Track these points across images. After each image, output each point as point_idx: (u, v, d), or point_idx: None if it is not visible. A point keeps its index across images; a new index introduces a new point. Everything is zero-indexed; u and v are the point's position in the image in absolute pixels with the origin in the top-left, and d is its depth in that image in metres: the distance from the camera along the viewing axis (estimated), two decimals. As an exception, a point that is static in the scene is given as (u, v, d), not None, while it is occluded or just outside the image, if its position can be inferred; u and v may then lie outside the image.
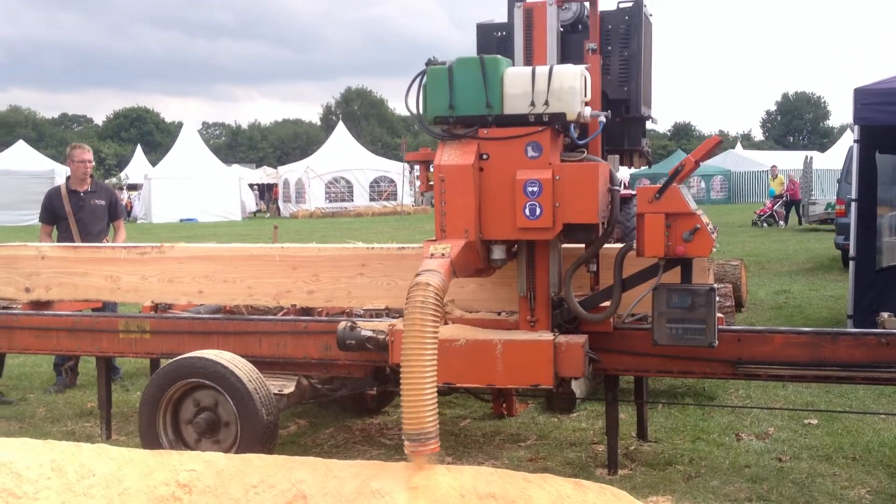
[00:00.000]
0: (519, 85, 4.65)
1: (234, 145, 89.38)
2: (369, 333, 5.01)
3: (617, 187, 4.89)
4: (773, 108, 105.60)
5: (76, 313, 6.18)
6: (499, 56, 4.77)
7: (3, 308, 7.27)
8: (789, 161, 48.84)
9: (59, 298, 6.37)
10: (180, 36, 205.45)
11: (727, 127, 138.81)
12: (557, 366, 4.73)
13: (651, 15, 5.44)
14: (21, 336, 6.02)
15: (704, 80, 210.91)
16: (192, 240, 6.89)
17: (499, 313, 5.28)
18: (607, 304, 4.93)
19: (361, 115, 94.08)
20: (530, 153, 4.65)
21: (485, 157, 4.71)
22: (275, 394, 5.15)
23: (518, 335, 4.86)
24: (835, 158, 40.49)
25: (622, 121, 5.28)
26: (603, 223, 4.76)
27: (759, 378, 5.06)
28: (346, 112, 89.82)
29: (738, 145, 61.22)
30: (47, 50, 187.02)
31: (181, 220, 39.51)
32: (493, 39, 5.40)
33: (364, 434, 6.10)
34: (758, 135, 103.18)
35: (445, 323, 5.11)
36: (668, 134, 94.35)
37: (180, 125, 53.05)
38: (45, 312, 6.17)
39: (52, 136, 79.81)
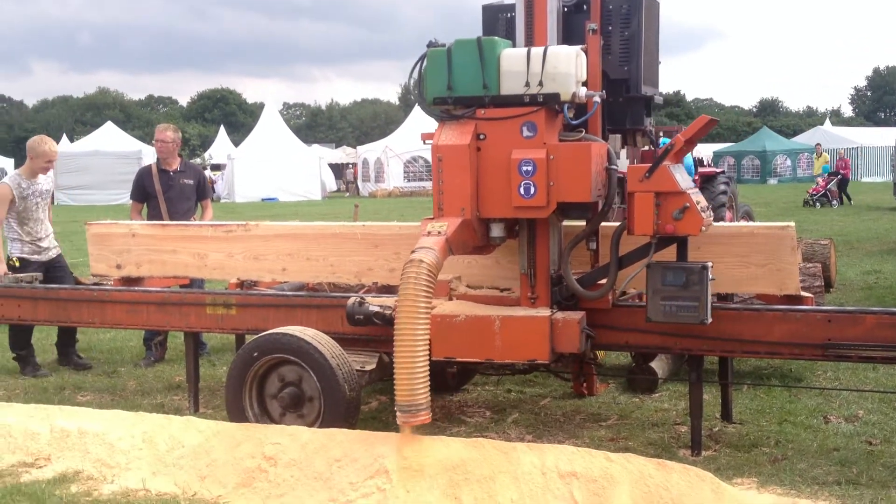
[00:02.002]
0: (515, 66, 4.74)
1: (313, 125, 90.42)
2: (377, 309, 5.12)
3: (615, 166, 4.93)
4: (863, 83, 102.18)
5: (165, 289, 6.35)
6: (496, 38, 4.87)
7: (96, 284, 7.53)
8: (882, 138, 47.21)
9: (148, 275, 6.55)
10: (259, 17, 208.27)
11: (815, 103, 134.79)
12: (554, 341, 4.84)
13: None
14: (112, 311, 6.20)
15: (792, 55, 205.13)
16: (274, 219, 7.01)
17: (502, 290, 5.36)
18: (605, 281, 4.99)
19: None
20: (525, 133, 4.75)
21: (482, 136, 4.82)
22: (357, 370, 5.21)
23: (516, 311, 4.96)
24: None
25: (624, 100, 5.29)
26: (600, 201, 4.85)
27: (849, 359, 4.95)
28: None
29: (827, 122, 59.36)
30: (132, 33, 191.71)
31: (262, 200, 40.15)
32: (499, 21, 5.43)
33: (444, 411, 6.13)
34: (847, 111, 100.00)
35: (450, 299, 5.28)
36: (754, 111, 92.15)
37: (262, 106, 53.84)
38: (136, 288, 6.36)
39: (138, 118, 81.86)
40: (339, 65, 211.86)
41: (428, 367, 4.39)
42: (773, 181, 46.27)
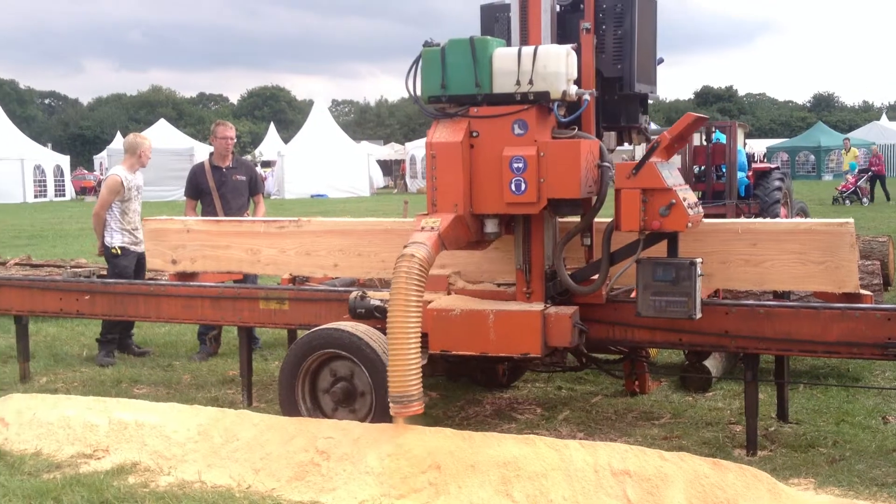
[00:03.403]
0: (506, 65, 4.85)
1: (362, 122, 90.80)
2: (377, 303, 5.19)
3: (607, 163, 4.98)
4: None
5: (220, 284, 6.43)
6: (489, 37, 4.97)
7: (152, 279, 7.67)
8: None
9: (202, 270, 6.64)
10: (307, 15, 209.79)
11: (872, 97, 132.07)
12: (547, 335, 4.93)
13: None
14: (168, 305, 6.30)
15: (848, 48, 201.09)
16: (323, 215, 7.08)
17: (499, 285, 5.43)
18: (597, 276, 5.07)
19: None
20: (517, 131, 4.84)
21: (475, 134, 4.92)
22: (408, 366, 5.22)
23: (510, 306, 5.07)
24: None
25: (619, 98, 5.32)
26: (591, 198, 4.94)
27: (910, 359, 4.84)
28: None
29: (884, 116, 58.08)
30: (182, 31, 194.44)
31: (312, 196, 40.45)
32: (497, 20, 5.48)
33: (495, 408, 6.13)
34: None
35: (448, 293, 5.38)
36: (808, 105, 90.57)
37: (311, 103, 54.14)
38: (191, 283, 6.45)
39: (190, 115, 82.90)
40: (385, 62, 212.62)
41: (419, 359, 4.55)
42: (828, 177, 45.40)
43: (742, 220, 6.40)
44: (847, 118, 74.61)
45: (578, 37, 5.16)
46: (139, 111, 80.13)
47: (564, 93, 4.81)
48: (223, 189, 8.05)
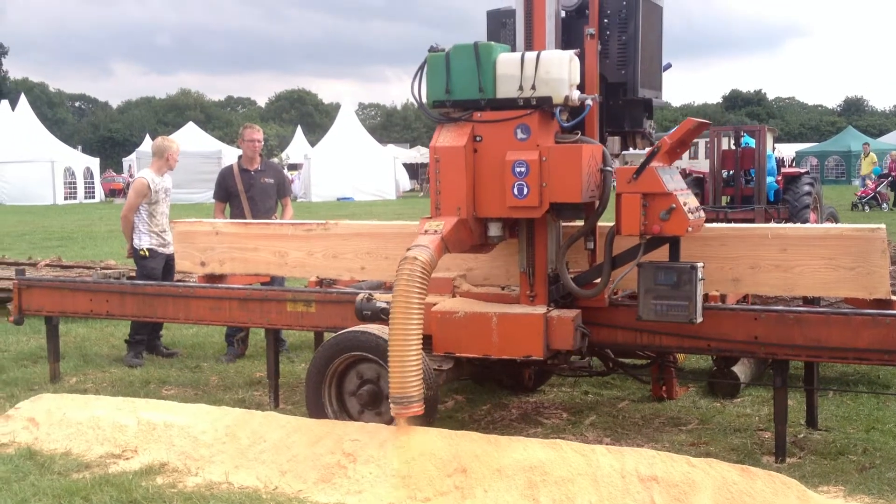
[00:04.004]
0: (509, 70, 4.90)
1: (388, 125, 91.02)
2: (384, 305, 5.19)
3: (610, 168, 5.00)
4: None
5: (248, 287, 6.46)
6: (493, 43, 5.03)
7: (180, 280, 7.73)
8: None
9: (231, 272, 6.68)
10: (333, 19, 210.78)
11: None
12: (549, 338, 4.97)
13: None
14: (196, 307, 6.34)
15: (879, 51, 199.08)
16: (350, 218, 7.09)
17: (503, 288, 5.49)
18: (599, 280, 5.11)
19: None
20: (519, 135, 4.90)
21: (478, 139, 4.99)
22: (434, 369, 5.23)
23: (513, 308, 5.11)
24: None
25: (623, 103, 5.36)
26: (594, 202, 5.00)
27: (943, 367, 4.78)
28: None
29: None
30: (210, 35, 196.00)
31: (338, 199, 40.57)
32: (503, 26, 5.50)
33: (520, 412, 6.12)
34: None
35: (454, 296, 5.42)
36: (838, 110, 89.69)
37: (337, 106, 54.44)
38: (219, 286, 6.48)
39: (218, 118, 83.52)
40: (411, 65, 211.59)
41: (420, 361, 4.62)
42: (857, 182, 44.95)
43: (772, 224, 6.36)
44: (878, 122, 73.80)
45: (583, 42, 5.20)
46: (168, 114, 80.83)
47: (567, 98, 4.86)
48: (251, 192, 8.10)
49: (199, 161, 37.42)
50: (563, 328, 4.98)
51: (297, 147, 52.82)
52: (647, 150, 4.99)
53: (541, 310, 5.04)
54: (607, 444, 5.07)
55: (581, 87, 5.05)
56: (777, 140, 42.02)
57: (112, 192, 46.01)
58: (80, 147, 52.89)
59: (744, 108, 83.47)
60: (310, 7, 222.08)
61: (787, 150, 47.45)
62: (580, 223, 5.22)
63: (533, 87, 4.85)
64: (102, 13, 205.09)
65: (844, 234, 5.03)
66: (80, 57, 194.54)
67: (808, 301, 5.72)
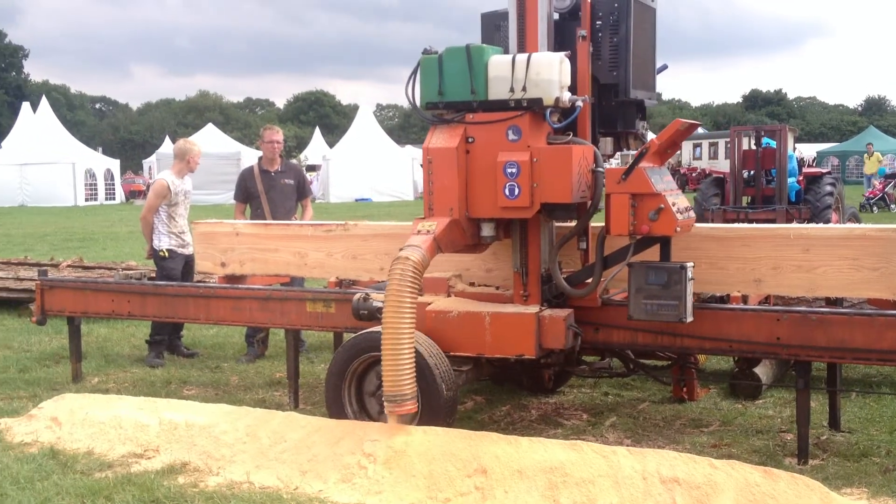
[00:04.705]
0: (501, 72, 4.97)
1: (406, 126, 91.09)
2: (380, 304, 5.19)
3: (601, 169, 5.04)
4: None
5: (268, 287, 6.48)
6: (484, 45, 5.11)
7: (200, 281, 7.76)
8: None
9: (251, 273, 6.70)
10: (351, 20, 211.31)
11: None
12: (541, 337, 5.04)
13: (654, 0, 5.57)
14: (217, 307, 6.37)
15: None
16: (368, 219, 7.09)
17: (497, 288, 5.54)
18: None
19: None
20: (511, 136, 4.97)
21: (471, 140, 5.05)
22: (454, 369, 5.23)
23: (506, 308, 5.18)
24: None
25: (616, 104, 5.39)
26: (586, 203, 5.04)
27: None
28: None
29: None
30: (228, 36, 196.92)
31: (356, 200, 40.65)
32: (497, 28, 5.54)
33: (540, 413, 6.10)
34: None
35: (449, 295, 5.47)
36: (859, 109, 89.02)
37: (356, 108, 54.52)
38: (239, 286, 6.51)
39: (237, 120, 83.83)
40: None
41: (413, 360, 4.69)
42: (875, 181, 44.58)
43: (794, 225, 6.32)
44: (899, 122, 73.16)
45: (576, 44, 5.24)
46: (187, 116, 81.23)
47: (557, 99, 4.91)
48: (271, 193, 8.13)
49: (219, 162, 37.54)
50: (555, 327, 5.04)
51: (316, 148, 52.97)
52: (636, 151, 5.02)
53: (533, 309, 5.11)
54: (628, 446, 5.04)
55: (573, 89, 5.11)
56: (798, 140, 41.74)
57: (132, 194, 46.27)
58: (100, 149, 53.22)
59: (764, 107, 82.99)
60: (327, 9, 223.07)
61: (808, 151, 47.14)
62: (573, 224, 5.27)
63: (524, 89, 4.91)
64: (121, 16, 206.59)
65: (868, 234, 4.99)
66: (100, 59, 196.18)
67: (830, 302, 5.68)
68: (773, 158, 14.42)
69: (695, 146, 45.19)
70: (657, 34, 5.67)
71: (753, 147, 14.86)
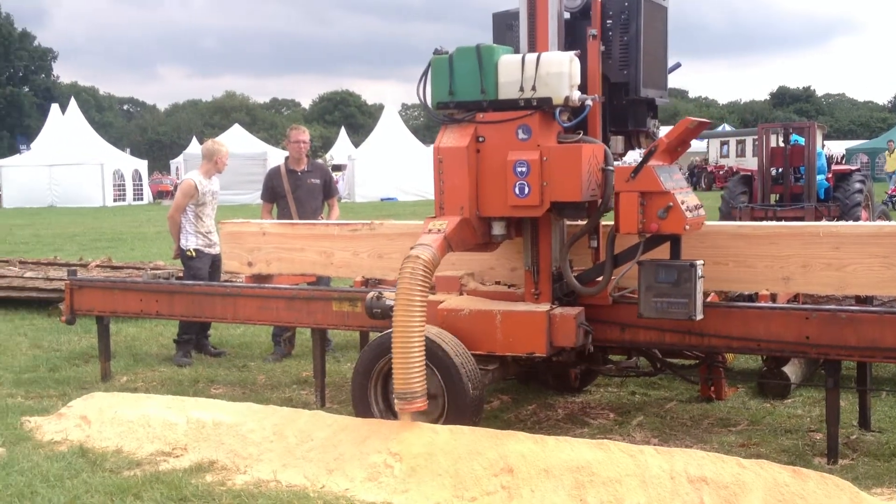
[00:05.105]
0: (511, 72, 5.00)
1: (431, 126, 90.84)
2: (392, 303, 5.18)
3: (611, 167, 5.04)
4: None
5: (294, 287, 6.51)
6: (495, 45, 5.14)
7: (227, 280, 7.81)
8: None
9: (277, 272, 6.73)
10: (375, 20, 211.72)
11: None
12: (552, 335, 5.07)
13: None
14: (244, 307, 6.40)
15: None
16: (394, 218, 7.09)
17: (509, 286, 5.58)
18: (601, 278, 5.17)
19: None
20: (521, 135, 5.00)
21: (481, 139, 5.09)
22: (480, 368, 5.22)
23: (517, 306, 5.22)
24: None
25: (627, 103, 5.40)
26: (597, 201, 5.05)
27: None
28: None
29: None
30: (253, 37, 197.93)
31: (381, 200, 40.71)
32: (509, 28, 5.55)
33: (567, 412, 6.08)
34: None
35: (461, 294, 5.52)
36: (889, 106, 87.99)
37: (381, 107, 54.56)
38: (266, 286, 6.54)
39: (263, 120, 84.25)
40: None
41: (423, 357, 4.72)
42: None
43: (824, 222, 6.26)
44: (930, 118, 72.27)
45: (586, 43, 5.24)
46: (214, 116, 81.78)
47: (567, 98, 4.93)
48: (298, 192, 8.16)
49: (245, 163, 37.74)
50: (566, 325, 5.06)
51: (341, 148, 53.11)
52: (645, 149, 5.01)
53: (544, 307, 5.14)
54: (655, 445, 5.02)
55: (583, 88, 5.12)
56: (826, 137, 41.31)
57: (160, 194, 46.63)
58: (128, 150, 53.66)
59: (792, 104, 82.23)
60: (352, 9, 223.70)
61: (837, 148, 46.65)
62: (584, 222, 5.27)
63: (533, 88, 4.93)
64: (147, 17, 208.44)
65: (899, 231, 4.93)
66: (127, 61, 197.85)
67: (860, 300, 5.62)
68: (802, 156, 14.27)
69: (722, 144, 44.88)
70: (669, 32, 5.66)
71: (782, 144, 14.72)
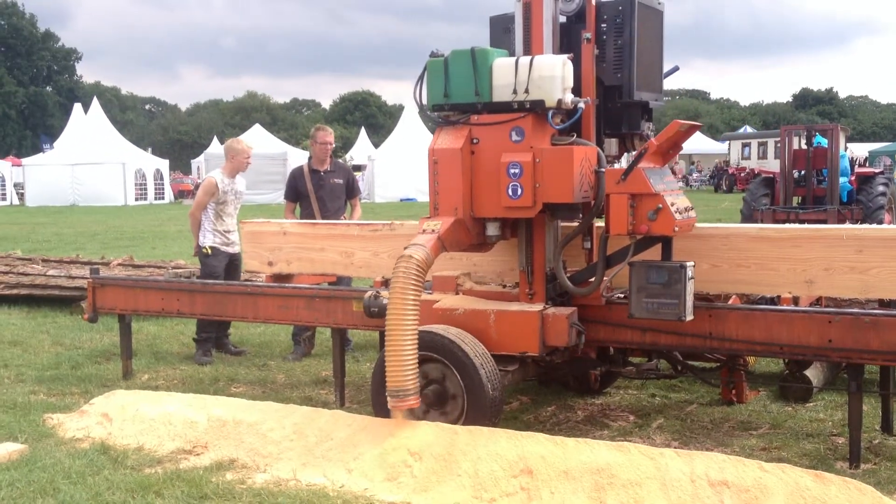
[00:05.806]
0: (504, 74, 5.06)
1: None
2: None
3: (604, 169, 5.07)
4: None
5: (315, 286, 6.52)
6: (489, 48, 5.20)
7: (248, 280, 7.84)
8: None
9: (298, 272, 6.75)
10: (394, 21, 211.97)
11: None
12: (544, 335, 5.13)
13: (661, 3, 5.61)
14: (264, 306, 6.43)
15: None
16: (413, 219, 7.11)
17: (504, 286, 5.65)
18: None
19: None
20: (514, 137, 5.06)
21: (475, 141, 5.16)
22: (499, 369, 5.22)
23: (511, 306, 5.28)
24: None
25: (621, 106, 5.43)
26: (590, 202, 5.08)
27: None
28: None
29: None
30: (273, 38, 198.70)
31: (401, 200, 40.76)
32: (506, 31, 5.58)
33: (586, 414, 6.07)
34: None
35: (456, 293, 5.59)
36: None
37: (401, 108, 54.70)
38: (287, 285, 6.56)
39: (283, 120, 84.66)
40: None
41: (416, 356, 4.79)
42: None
43: (847, 225, 6.22)
44: (954, 121, 71.59)
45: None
46: (234, 116, 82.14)
47: (560, 101, 4.97)
48: (321, 192, 8.18)
49: (266, 162, 37.87)
50: (559, 325, 5.12)
51: (361, 148, 53.19)
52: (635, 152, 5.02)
53: (537, 307, 5.19)
54: (675, 448, 5.00)
55: (577, 91, 5.15)
56: (849, 139, 41.05)
57: (181, 194, 46.88)
58: (150, 149, 53.99)
59: (814, 106, 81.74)
60: (371, 10, 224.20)
61: (860, 150, 46.29)
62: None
63: (527, 91, 4.99)
64: (168, 18, 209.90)
65: (923, 235, 4.88)
66: (149, 61, 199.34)
67: (884, 304, 5.58)
68: (825, 158, 14.18)
69: (744, 146, 44.63)
70: (664, 36, 5.68)
71: (804, 146, 14.63)
